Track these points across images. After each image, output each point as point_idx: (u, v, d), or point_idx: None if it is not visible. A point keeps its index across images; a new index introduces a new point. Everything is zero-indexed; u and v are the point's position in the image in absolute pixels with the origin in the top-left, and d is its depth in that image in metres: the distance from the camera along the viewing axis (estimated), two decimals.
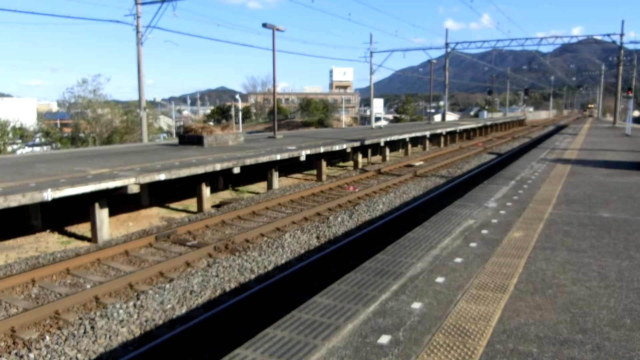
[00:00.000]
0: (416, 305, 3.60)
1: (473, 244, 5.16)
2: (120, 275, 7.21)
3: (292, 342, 3.05)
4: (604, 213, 6.63)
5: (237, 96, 54.48)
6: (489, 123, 43.00)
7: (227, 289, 6.80)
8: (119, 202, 10.99)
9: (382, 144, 20.89)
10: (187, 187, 13.06)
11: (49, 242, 9.31)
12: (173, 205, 12.52)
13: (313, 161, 16.44)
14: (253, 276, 7.31)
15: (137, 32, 22.06)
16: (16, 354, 5.04)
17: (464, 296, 3.77)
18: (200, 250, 8.19)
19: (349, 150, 17.70)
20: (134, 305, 6.10)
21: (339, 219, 10.47)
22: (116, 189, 8.98)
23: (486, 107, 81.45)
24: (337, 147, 16.49)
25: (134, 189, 9.23)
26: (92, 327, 5.53)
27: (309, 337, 3.11)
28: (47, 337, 5.34)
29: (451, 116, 62.65)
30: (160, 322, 5.82)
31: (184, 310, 6.14)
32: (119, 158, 12.85)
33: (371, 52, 38.38)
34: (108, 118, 30.29)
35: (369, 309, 3.54)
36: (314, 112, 76.22)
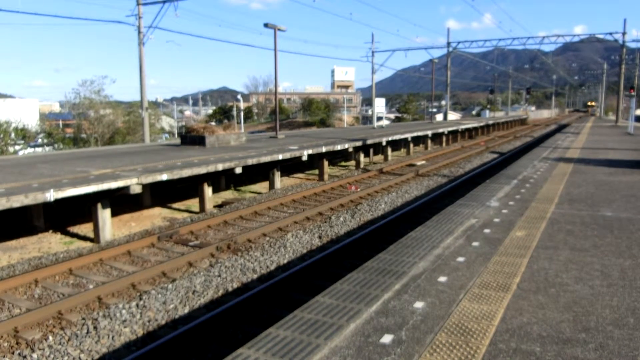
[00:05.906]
0: (419, 304, 3.60)
1: (475, 243, 5.15)
2: (122, 276, 7.22)
3: (295, 342, 3.05)
4: (607, 212, 6.62)
5: (239, 96, 54.61)
6: (490, 122, 42.97)
7: (230, 289, 6.81)
8: (121, 202, 11.00)
9: (384, 144, 20.88)
10: (189, 187, 13.07)
11: (52, 242, 9.34)
12: (175, 205, 12.54)
13: (315, 161, 16.43)
14: (255, 276, 7.32)
15: (139, 32, 22.08)
16: (19, 354, 5.06)
17: (467, 295, 3.77)
18: (202, 250, 8.20)
19: (350, 149, 17.70)
20: (137, 305, 6.11)
21: (341, 219, 10.47)
22: (118, 189, 9.00)
23: (488, 106, 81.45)
24: (339, 147, 16.49)
25: (136, 189, 9.25)
26: (95, 328, 5.55)
27: (311, 337, 3.11)
28: (50, 338, 5.35)
29: (453, 115, 62.60)
30: (163, 322, 5.84)
31: (186, 310, 6.16)
32: (121, 158, 12.87)
33: (373, 52, 38.37)
34: (110, 118, 30.37)
35: (372, 308, 3.54)
36: (316, 112, 76.17)
